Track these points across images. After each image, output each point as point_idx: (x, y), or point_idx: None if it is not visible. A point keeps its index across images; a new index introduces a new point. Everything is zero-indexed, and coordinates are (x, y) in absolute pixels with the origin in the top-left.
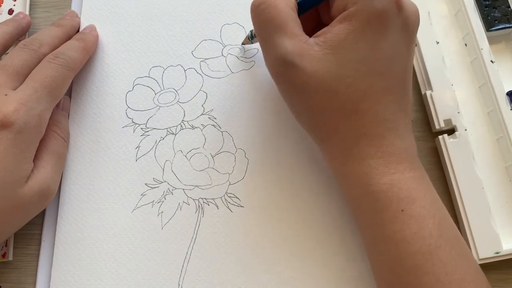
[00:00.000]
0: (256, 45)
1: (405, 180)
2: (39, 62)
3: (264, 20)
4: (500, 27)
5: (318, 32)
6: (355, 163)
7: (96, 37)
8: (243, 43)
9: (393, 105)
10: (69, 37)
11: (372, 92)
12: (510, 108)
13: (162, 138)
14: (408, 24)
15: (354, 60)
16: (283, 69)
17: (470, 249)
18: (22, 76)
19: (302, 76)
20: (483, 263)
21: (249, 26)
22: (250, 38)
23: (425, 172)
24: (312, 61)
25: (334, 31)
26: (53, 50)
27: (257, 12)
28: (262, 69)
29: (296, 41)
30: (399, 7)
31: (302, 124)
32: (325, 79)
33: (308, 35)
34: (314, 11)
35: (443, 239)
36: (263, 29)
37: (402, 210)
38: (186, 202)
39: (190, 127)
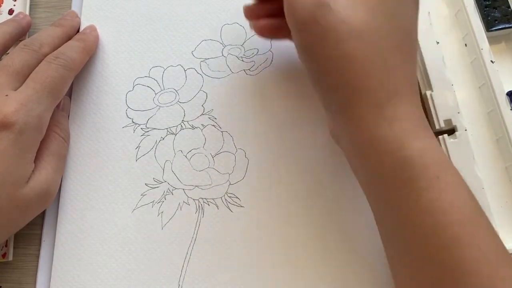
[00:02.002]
0: (257, 45)
1: (435, 146)
2: (39, 63)
3: None
4: (500, 27)
5: None
6: (386, 125)
7: (97, 37)
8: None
9: (414, 66)
10: (69, 37)
11: (399, 49)
12: (510, 108)
13: (162, 138)
14: None
15: (385, 14)
16: (315, 10)
17: None
18: (23, 76)
19: (336, 20)
20: None
21: (249, 27)
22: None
23: None
24: (345, 7)
25: None
26: (53, 51)
27: None
28: (262, 69)
29: None
30: None
31: (325, 87)
32: (357, 26)
33: None
34: None
35: (478, 209)
36: None
37: (438, 177)
38: (186, 202)
39: (190, 127)
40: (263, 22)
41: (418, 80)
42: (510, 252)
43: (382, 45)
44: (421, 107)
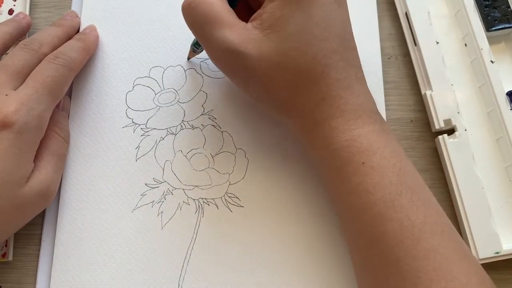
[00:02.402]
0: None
1: (365, 135)
2: (39, 62)
3: (199, 17)
4: (500, 27)
5: (253, 16)
6: (318, 126)
7: (97, 37)
8: (188, 58)
9: (341, 63)
10: (69, 37)
11: (319, 57)
12: (510, 108)
13: (162, 138)
14: None
15: (294, 33)
16: (230, 60)
17: (470, 249)
18: (23, 76)
19: (250, 62)
20: (483, 263)
21: None
22: (196, 47)
23: (387, 125)
24: (256, 45)
25: (268, 10)
26: (53, 50)
27: (189, 12)
28: None
29: (235, 30)
30: None
31: (264, 107)
32: (272, 58)
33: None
34: (242, 0)
35: (404, 186)
36: (201, 27)
37: (363, 163)
38: (186, 202)
39: (190, 127)
40: None
41: (354, 65)
42: (510, 252)
43: (300, 64)
44: (359, 95)
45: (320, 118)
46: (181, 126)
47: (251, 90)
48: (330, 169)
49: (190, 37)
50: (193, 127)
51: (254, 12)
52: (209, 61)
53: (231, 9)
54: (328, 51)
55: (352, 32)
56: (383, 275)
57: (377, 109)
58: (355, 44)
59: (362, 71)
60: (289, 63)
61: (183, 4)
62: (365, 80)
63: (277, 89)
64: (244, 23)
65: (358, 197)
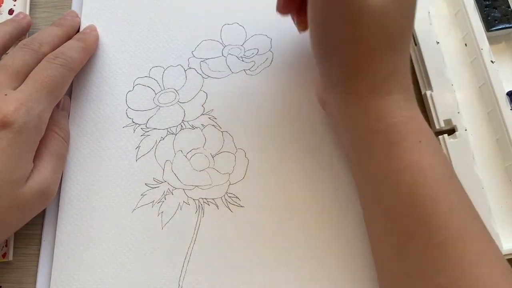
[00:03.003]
0: (257, 45)
1: (420, 116)
2: (39, 62)
3: None
4: (500, 27)
5: None
6: (379, 97)
7: (97, 37)
8: None
9: (409, 47)
10: (69, 37)
11: (406, 33)
12: (510, 108)
13: (162, 138)
14: None
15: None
16: None
17: None
18: (22, 76)
19: (358, 2)
20: None
21: (249, 27)
22: None
23: None
24: None
25: None
26: (53, 50)
27: None
28: (262, 69)
29: None
30: None
31: (329, 59)
32: (378, 10)
33: None
34: None
35: (452, 171)
36: None
37: (420, 141)
38: (186, 202)
39: (190, 127)
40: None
41: (410, 66)
42: (510, 252)
43: (392, 29)
44: (411, 83)
45: (386, 89)
46: (181, 126)
47: (335, 30)
48: (381, 145)
49: (190, 38)
50: (193, 127)
51: None
52: (209, 61)
53: None
54: (409, 30)
55: None
56: (424, 257)
57: None
58: None
59: None
60: (389, 23)
61: None
62: None
63: (364, 42)
64: None
65: (410, 175)
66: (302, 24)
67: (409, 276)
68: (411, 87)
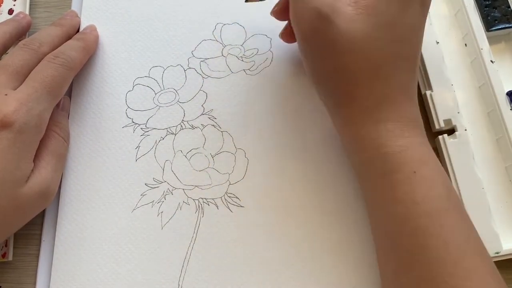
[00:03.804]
0: (257, 45)
1: (418, 145)
2: (39, 62)
3: None
4: (500, 27)
5: None
6: (372, 125)
7: (96, 37)
8: (247, 0)
9: (410, 73)
10: (69, 37)
11: (396, 58)
12: (510, 108)
13: (162, 138)
14: None
15: (385, 24)
16: (316, 23)
17: None
18: (22, 75)
19: (335, 33)
20: None
21: (249, 27)
22: None
23: None
24: (345, 19)
25: None
26: (53, 50)
27: None
28: (262, 69)
29: None
30: None
31: (321, 88)
32: (357, 39)
33: None
34: None
35: (451, 203)
36: None
37: (414, 172)
38: (186, 202)
39: (190, 127)
40: (276, 7)
41: (417, 81)
42: (510, 252)
43: (378, 55)
44: (416, 108)
45: (377, 117)
46: (181, 126)
47: (320, 63)
48: (376, 174)
49: (190, 38)
50: (193, 127)
51: None
52: (209, 61)
53: None
54: (407, 54)
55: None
56: None
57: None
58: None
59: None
60: (371, 50)
61: None
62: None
63: (347, 71)
64: None
65: (403, 206)
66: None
67: None
68: (413, 113)
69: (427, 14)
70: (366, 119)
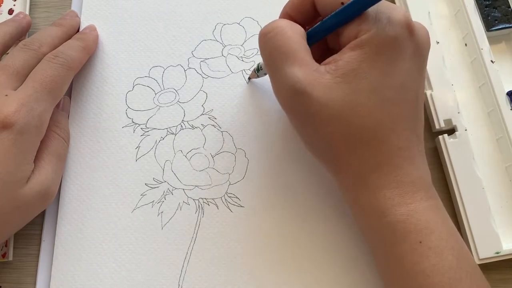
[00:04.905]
0: (257, 45)
1: (422, 210)
2: (39, 62)
3: (273, 48)
4: (500, 27)
5: (328, 59)
6: (370, 194)
7: (96, 36)
8: (249, 78)
9: (407, 132)
10: (69, 37)
11: (386, 121)
12: (510, 108)
13: (162, 138)
14: (420, 49)
15: (367, 89)
16: (294, 99)
17: (470, 249)
18: (23, 76)
19: (314, 106)
20: (483, 263)
21: (249, 27)
22: (257, 71)
23: (440, 200)
24: (324, 90)
25: (345, 58)
26: (53, 50)
27: (265, 40)
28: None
29: (306, 69)
30: (411, 32)
31: (314, 155)
32: (338, 108)
33: (316, 62)
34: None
35: (463, 271)
36: (272, 57)
37: (420, 242)
38: (186, 202)
39: (190, 127)
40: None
41: (421, 134)
42: (510, 252)
43: (364, 122)
44: (419, 167)
45: (374, 185)
46: (181, 126)
47: (306, 134)
48: (382, 244)
49: (190, 38)
50: (193, 127)
51: (331, 54)
52: (209, 61)
53: (307, 47)
54: (397, 116)
55: (423, 103)
56: None
57: (431, 183)
58: (423, 114)
59: (423, 143)
60: (354, 118)
61: (261, 30)
62: (424, 152)
63: (333, 141)
64: (317, 64)
65: (413, 279)
66: None
67: None
68: (415, 175)
69: (424, 62)
70: (364, 187)
